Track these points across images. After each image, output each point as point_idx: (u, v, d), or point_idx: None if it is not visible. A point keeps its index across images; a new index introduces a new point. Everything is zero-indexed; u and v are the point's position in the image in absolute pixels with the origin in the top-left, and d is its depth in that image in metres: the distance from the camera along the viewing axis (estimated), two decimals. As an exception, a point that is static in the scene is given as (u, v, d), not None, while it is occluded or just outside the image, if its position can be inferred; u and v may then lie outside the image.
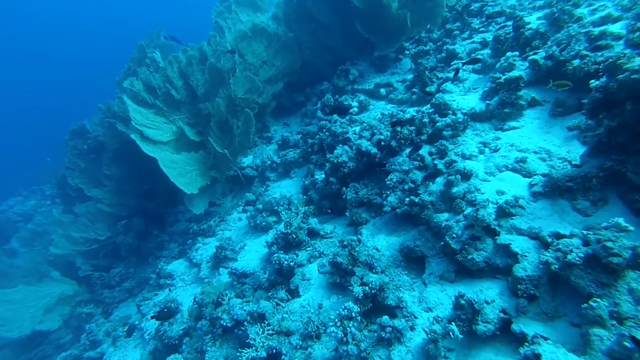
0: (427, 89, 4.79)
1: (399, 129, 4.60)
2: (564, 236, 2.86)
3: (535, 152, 3.74)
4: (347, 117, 6.46)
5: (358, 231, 4.87)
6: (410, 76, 7.02)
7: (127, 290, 7.96)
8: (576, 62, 3.89)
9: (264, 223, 6.55)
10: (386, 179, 4.63)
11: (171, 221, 9.25)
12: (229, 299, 5.00)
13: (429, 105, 5.59)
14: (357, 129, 6.11)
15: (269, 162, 7.94)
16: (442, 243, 3.51)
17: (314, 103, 9.05)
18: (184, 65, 7.98)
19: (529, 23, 4.78)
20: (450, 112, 4.65)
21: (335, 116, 6.73)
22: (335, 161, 5.25)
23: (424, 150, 4.50)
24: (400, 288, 3.78)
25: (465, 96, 5.15)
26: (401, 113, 5.75)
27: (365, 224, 4.89)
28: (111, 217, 10.09)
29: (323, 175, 5.96)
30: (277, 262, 4.69)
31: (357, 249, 3.96)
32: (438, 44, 6.44)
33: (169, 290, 6.28)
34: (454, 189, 3.67)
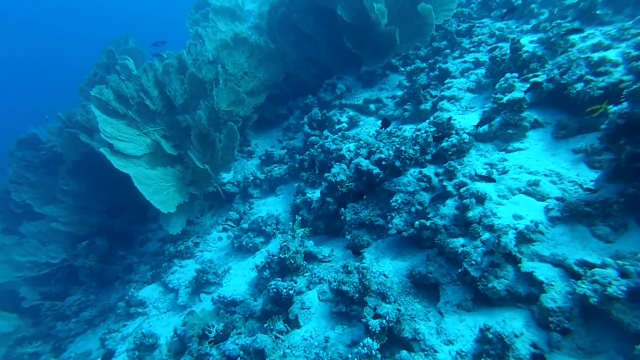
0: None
1: (403, 148, 4.44)
2: (594, 265, 2.78)
3: (546, 175, 3.71)
4: (340, 133, 6.26)
5: (360, 255, 4.61)
6: (399, 92, 6.98)
7: (87, 321, 7.11)
8: (579, 86, 3.95)
9: (250, 244, 6.12)
10: (391, 200, 4.44)
11: (141, 240, 8.51)
12: (217, 331, 4.54)
13: (426, 123, 5.53)
14: (352, 146, 5.92)
15: (252, 177, 7.54)
16: (460, 270, 3.34)
17: (297, 116, 8.81)
18: (160, 74, 7.44)
19: (523, 46, 4.86)
20: (453, 131, 4.57)
21: (326, 132, 6.51)
22: (333, 180, 4.99)
23: (429, 171, 4.37)
24: (415, 318, 3.56)
25: (464, 115, 5.13)
26: (399, 130, 5.65)
27: (367, 247, 4.65)
28: (68, 237, 9.15)
29: (317, 195, 5.69)
30: (275, 289, 4.31)
31: (368, 276, 3.69)
32: (430, 61, 6.46)
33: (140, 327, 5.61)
34: (470, 213, 3.54)
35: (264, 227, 6.19)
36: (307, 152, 6.33)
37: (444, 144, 4.38)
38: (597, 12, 4.89)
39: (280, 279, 4.54)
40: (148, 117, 7.60)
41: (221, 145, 6.91)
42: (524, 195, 3.63)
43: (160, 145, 7.31)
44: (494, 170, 4.10)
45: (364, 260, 4.48)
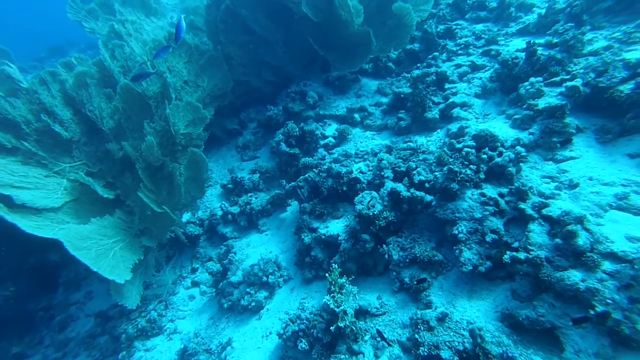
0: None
1: (456, 168, 3.82)
2: None
3: (624, 185, 3.56)
4: (342, 151, 5.34)
5: (422, 299, 3.86)
6: (383, 99, 6.40)
7: None
8: (624, 88, 3.91)
9: (253, 303, 4.78)
10: (453, 231, 3.79)
11: (59, 322, 6.10)
12: None
13: (442, 134, 5.05)
14: (362, 165, 5.08)
15: (221, 212, 6.04)
16: (594, 312, 2.88)
17: (254, 131, 7.53)
18: (72, 87, 5.33)
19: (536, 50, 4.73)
20: (498, 144, 4.15)
21: (322, 151, 5.51)
22: (370, 214, 4.10)
23: (491, 192, 3.86)
24: (545, 377, 2.99)
25: (486, 123, 4.79)
26: (411, 143, 5.04)
27: (428, 288, 3.92)
28: None
29: (332, 230, 4.69)
30: (346, 375, 3.25)
31: (487, 339, 2.97)
32: (423, 64, 6.01)
33: None
34: (580, 241, 3.12)
35: (264, 278, 4.91)
36: (304, 176, 5.23)
37: (498, 159, 3.91)
38: (585, 17, 5.09)
39: (341, 355, 3.48)
40: (59, 148, 5.42)
41: (183, 179, 5.28)
42: (617, 211, 3.38)
43: (86, 186, 5.25)
44: (558, 184, 3.80)
45: (433, 305, 3.75)
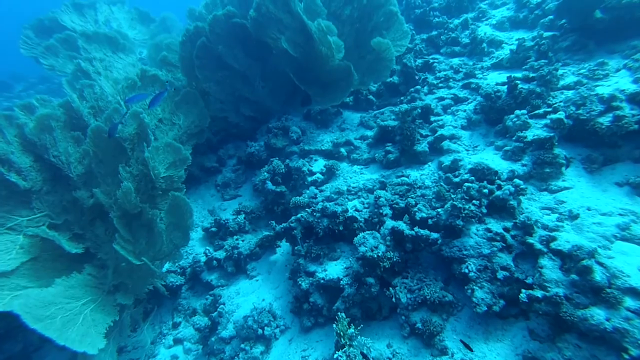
0: None
1: (460, 204, 3.75)
2: None
3: (621, 215, 3.63)
4: (334, 189, 5.16)
5: (435, 344, 3.64)
6: (368, 132, 6.37)
7: None
8: (604, 120, 4.09)
9: (249, 362, 4.32)
10: (462, 269, 3.66)
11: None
12: None
13: (434, 167, 5.03)
14: (356, 203, 4.92)
15: (205, 258, 5.58)
16: (629, 357, 2.79)
17: (234, 168, 7.21)
18: (32, 132, 4.81)
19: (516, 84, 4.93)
20: (495, 177, 4.16)
21: (313, 189, 5.29)
22: (375, 256, 3.90)
23: (496, 227, 3.81)
24: None
25: (477, 155, 4.83)
26: (405, 178, 4.97)
27: (441, 331, 3.72)
28: None
29: (331, 273, 4.42)
30: None
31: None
32: (408, 98, 6.08)
33: None
34: (597, 276, 3.08)
35: (260, 330, 4.49)
36: (295, 217, 4.96)
37: (499, 192, 3.90)
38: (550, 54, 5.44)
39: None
40: (15, 200, 4.82)
41: (164, 226, 4.82)
42: (622, 242, 3.41)
43: (48, 241, 4.65)
44: (558, 215, 3.83)
45: (449, 351, 3.54)
